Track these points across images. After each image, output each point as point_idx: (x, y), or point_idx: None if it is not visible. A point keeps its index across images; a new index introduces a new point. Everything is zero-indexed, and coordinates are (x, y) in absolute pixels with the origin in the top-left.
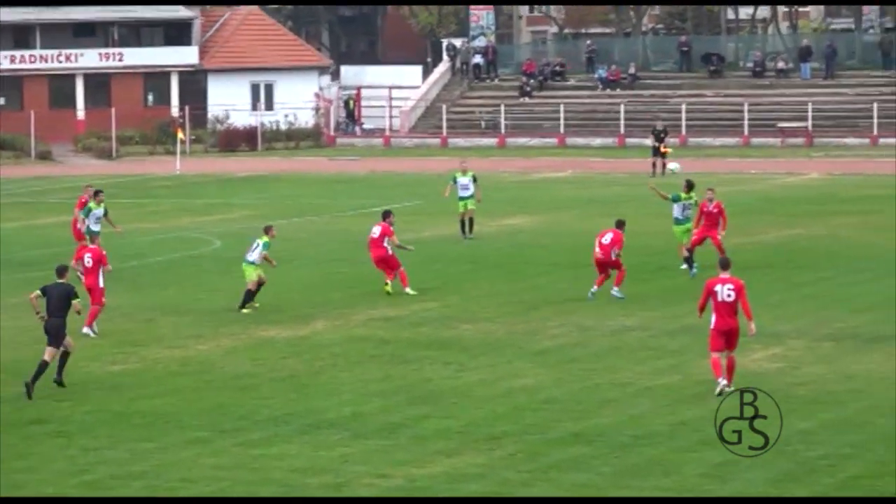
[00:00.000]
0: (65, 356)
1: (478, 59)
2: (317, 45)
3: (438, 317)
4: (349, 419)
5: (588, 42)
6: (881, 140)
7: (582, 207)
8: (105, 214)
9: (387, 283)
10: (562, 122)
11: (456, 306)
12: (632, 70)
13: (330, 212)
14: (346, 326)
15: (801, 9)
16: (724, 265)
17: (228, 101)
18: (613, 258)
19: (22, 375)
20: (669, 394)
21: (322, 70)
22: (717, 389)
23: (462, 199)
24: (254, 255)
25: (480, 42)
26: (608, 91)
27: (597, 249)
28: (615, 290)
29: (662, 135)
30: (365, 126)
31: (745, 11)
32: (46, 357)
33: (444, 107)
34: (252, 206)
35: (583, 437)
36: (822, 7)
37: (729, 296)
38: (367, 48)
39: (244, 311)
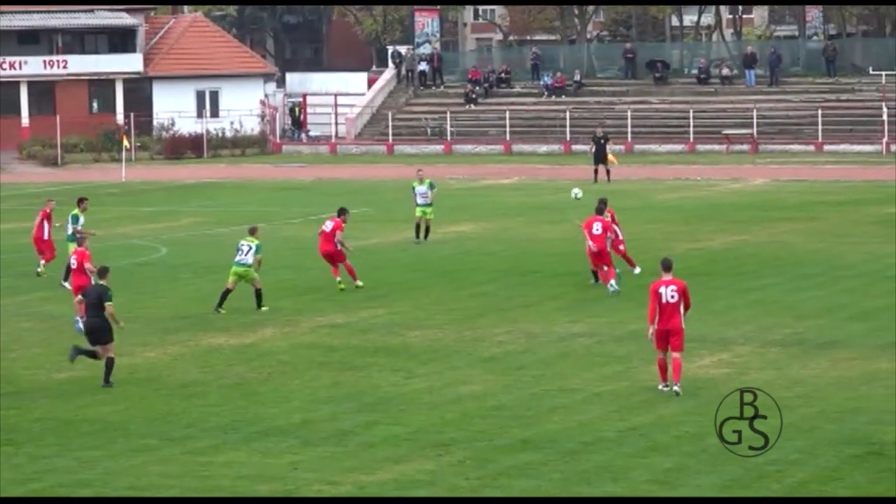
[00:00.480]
0: (109, 361)
1: (423, 66)
2: (262, 52)
3: (386, 324)
4: (298, 426)
5: (533, 49)
6: (826, 147)
7: (529, 214)
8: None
9: (339, 281)
10: (507, 128)
11: (404, 313)
12: (577, 77)
13: (277, 219)
14: (294, 333)
15: (745, 16)
16: (667, 267)
17: (174, 108)
18: (608, 245)
19: None
20: (617, 400)
21: (267, 77)
22: (660, 387)
23: (419, 206)
24: (248, 258)
25: (426, 49)
26: (553, 98)
27: (590, 242)
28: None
29: (603, 141)
30: (311, 133)
31: (689, 18)
32: (105, 354)
33: (389, 114)
34: (198, 214)
35: (531, 444)
36: (766, 14)
37: (672, 297)
38: (312, 55)
39: (264, 308)
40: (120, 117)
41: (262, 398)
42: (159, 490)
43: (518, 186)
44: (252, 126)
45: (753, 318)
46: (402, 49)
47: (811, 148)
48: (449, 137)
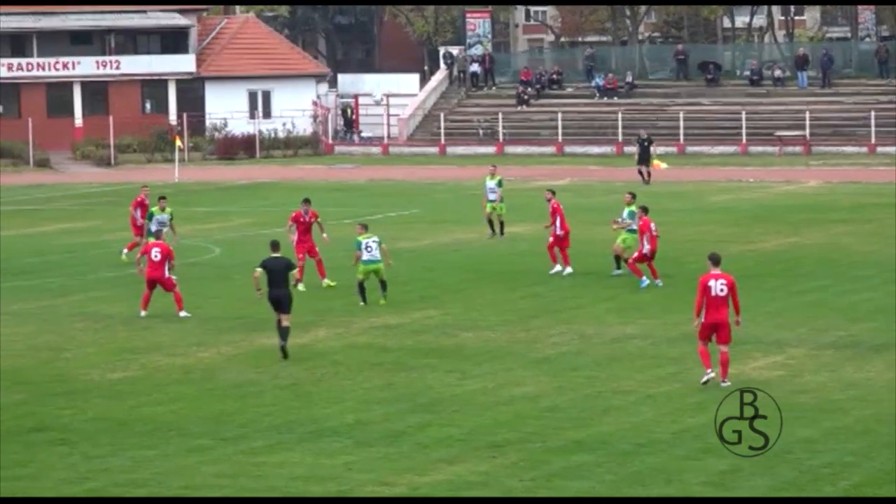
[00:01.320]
0: (285, 330)
1: (475, 67)
2: (314, 53)
3: (440, 325)
4: (352, 427)
5: (585, 50)
6: (879, 148)
7: (581, 215)
8: (171, 220)
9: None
10: (559, 130)
11: (457, 314)
12: (629, 78)
13: (329, 220)
14: (348, 334)
15: (797, 17)
16: (716, 261)
17: (226, 108)
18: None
19: (22, 383)
20: (671, 402)
21: (319, 78)
22: (704, 379)
23: (489, 201)
24: (377, 254)
25: (477, 50)
26: (605, 99)
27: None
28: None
29: (647, 143)
30: (363, 134)
31: (741, 20)
32: (285, 323)
33: (441, 115)
34: (251, 214)
35: (585, 445)
36: (818, 15)
37: (722, 290)
38: (363, 56)
39: (382, 303)
40: (173, 118)
41: (316, 399)
42: (213, 490)
43: (570, 188)
44: (304, 127)
45: (807, 321)
46: (454, 50)
47: (864, 150)
48: (501, 138)
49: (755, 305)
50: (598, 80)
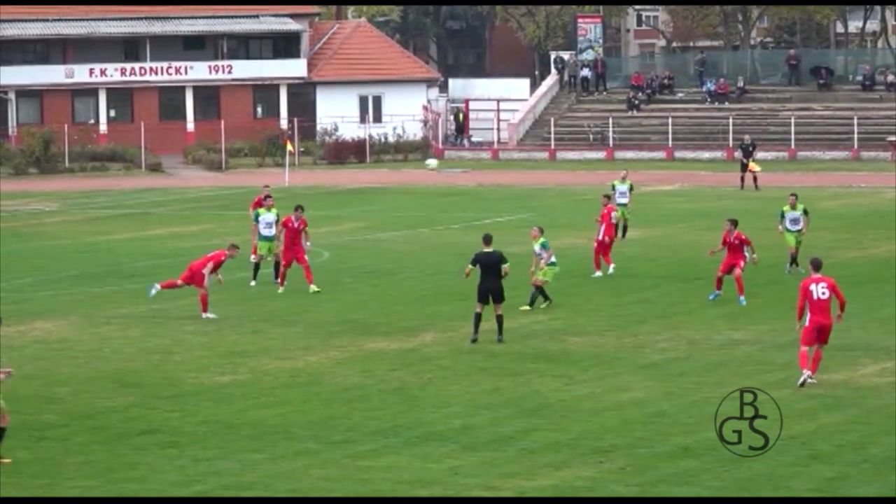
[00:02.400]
0: (499, 318)
1: (586, 72)
2: (425, 58)
3: (547, 329)
4: (458, 431)
5: (698, 55)
6: None
7: (691, 220)
8: (277, 220)
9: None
10: (670, 135)
11: (565, 319)
12: (740, 83)
13: (438, 224)
14: (455, 339)
15: None
16: (817, 266)
17: (337, 113)
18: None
19: (132, 386)
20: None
21: (430, 82)
22: (800, 381)
23: (620, 205)
24: (550, 257)
25: (588, 55)
26: (716, 104)
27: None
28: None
29: (751, 149)
30: (473, 139)
31: (854, 24)
32: (499, 311)
33: (552, 120)
34: (360, 219)
35: (692, 451)
36: None
37: (823, 293)
38: (474, 61)
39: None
40: (284, 122)
41: (423, 403)
42: (320, 493)
43: (680, 193)
44: (414, 131)
45: None
46: (565, 55)
47: None
48: (611, 143)
49: (866, 312)
50: (710, 85)
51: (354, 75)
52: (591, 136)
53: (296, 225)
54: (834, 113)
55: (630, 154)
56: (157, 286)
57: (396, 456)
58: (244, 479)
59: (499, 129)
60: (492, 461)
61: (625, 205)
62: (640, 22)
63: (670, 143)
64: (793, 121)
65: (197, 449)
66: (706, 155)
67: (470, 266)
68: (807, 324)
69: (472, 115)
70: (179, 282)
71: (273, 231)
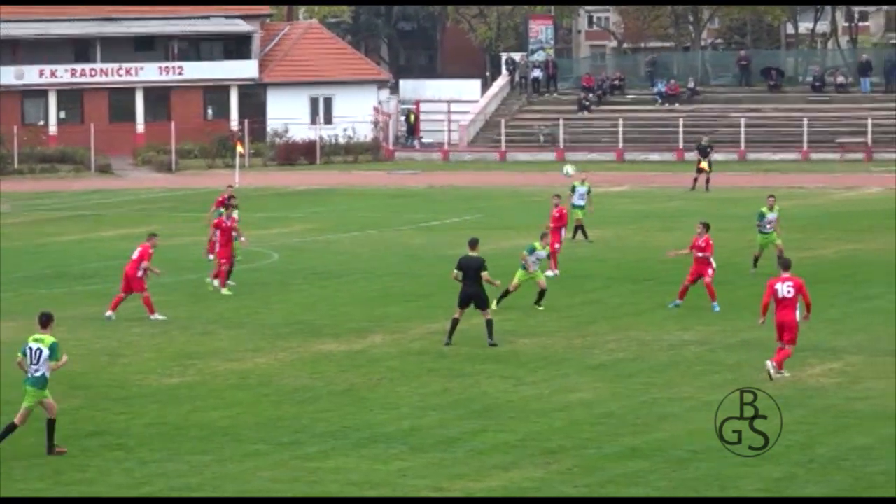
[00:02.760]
0: (489, 322)
1: (537, 73)
2: (376, 59)
3: (496, 330)
4: (406, 433)
5: (648, 56)
6: None
7: (641, 222)
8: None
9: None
10: (620, 136)
11: (514, 320)
12: (691, 84)
13: (388, 226)
14: (403, 340)
15: (861, 23)
16: (785, 266)
17: (287, 114)
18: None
19: (80, 388)
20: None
21: (381, 84)
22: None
23: (578, 207)
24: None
25: (539, 56)
26: (667, 105)
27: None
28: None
29: (708, 150)
30: (423, 140)
31: (804, 26)
32: (488, 317)
33: (502, 121)
34: (310, 220)
35: (640, 452)
36: (882, 21)
37: (788, 292)
38: (426, 62)
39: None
40: (234, 123)
41: (371, 404)
42: (268, 495)
43: (630, 194)
44: (365, 133)
45: (866, 328)
46: (516, 56)
47: None
48: (561, 144)
49: (814, 313)
50: (660, 86)
51: (305, 76)
52: (541, 138)
53: (228, 224)
54: (784, 114)
55: (580, 155)
56: (110, 313)
57: (345, 457)
58: (192, 480)
59: (450, 131)
60: (440, 462)
61: (582, 206)
62: (591, 23)
63: (621, 144)
64: (743, 122)
65: (145, 451)
66: (656, 156)
67: (455, 270)
68: (771, 319)
69: (423, 117)
70: (123, 294)
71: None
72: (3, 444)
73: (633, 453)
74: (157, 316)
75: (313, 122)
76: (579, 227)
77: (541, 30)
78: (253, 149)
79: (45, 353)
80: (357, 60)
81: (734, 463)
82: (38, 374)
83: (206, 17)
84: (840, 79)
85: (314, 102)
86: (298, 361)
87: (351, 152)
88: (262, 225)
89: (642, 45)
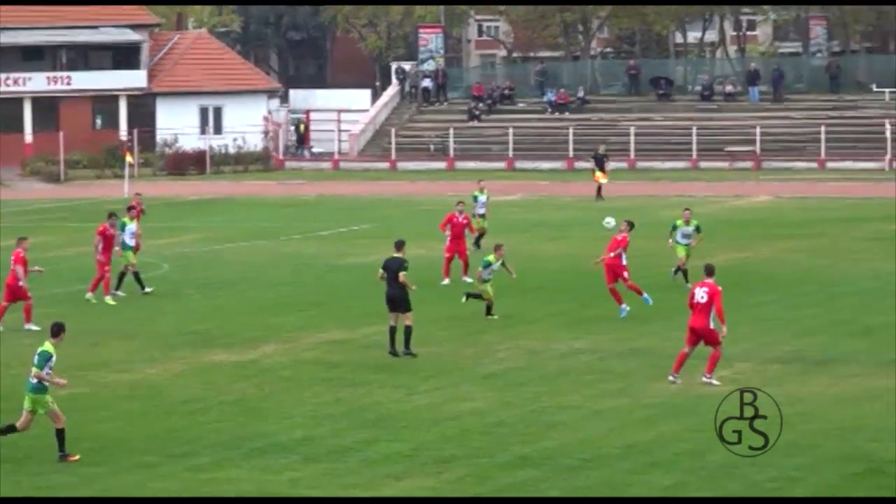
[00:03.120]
0: (407, 329)
1: (427, 82)
2: (266, 69)
3: (388, 340)
4: (299, 443)
5: (538, 65)
6: (829, 163)
7: (531, 231)
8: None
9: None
10: (510, 145)
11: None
12: (580, 93)
13: (279, 235)
14: (295, 350)
15: (749, 32)
16: (709, 272)
17: (177, 124)
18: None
19: None
20: (618, 416)
21: (271, 93)
22: (670, 379)
23: (479, 216)
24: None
25: (429, 65)
26: (557, 114)
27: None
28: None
29: (605, 159)
30: (314, 149)
31: (693, 35)
32: (406, 322)
33: (392, 130)
34: (201, 230)
35: (531, 461)
36: (770, 30)
37: (702, 298)
38: (315, 72)
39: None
40: (123, 133)
41: (264, 414)
42: None
43: (521, 203)
44: (255, 142)
45: (754, 335)
46: (406, 65)
47: (814, 165)
48: (452, 154)
49: None
50: (550, 96)
51: (194, 86)
52: (431, 147)
53: (111, 232)
54: (673, 123)
55: (471, 164)
56: None
57: (237, 468)
58: (82, 493)
59: (340, 140)
60: (333, 472)
61: (483, 215)
62: (480, 32)
63: (511, 153)
64: (633, 131)
65: (34, 464)
66: (546, 165)
67: (381, 270)
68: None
69: (313, 126)
70: (5, 303)
71: (134, 241)
72: None
73: (525, 462)
74: (31, 326)
75: (203, 131)
76: (481, 236)
77: (430, 39)
78: (142, 159)
79: (35, 359)
80: (246, 70)
81: (625, 471)
82: (34, 380)
83: (95, 27)
84: (728, 88)
85: (204, 112)
86: (190, 372)
87: (241, 162)
88: (152, 235)
89: (532, 54)
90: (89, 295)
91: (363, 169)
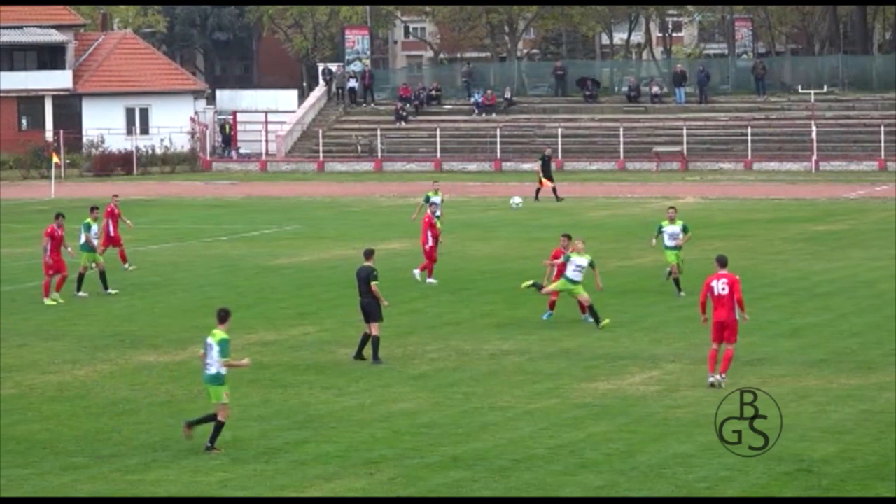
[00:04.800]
0: (375, 339)
1: (353, 83)
2: (192, 69)
3: (317, 341)
4: (228, 444)
5: (465, 66)
6: (755, 164)
7: (459, 231)
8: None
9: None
10: (438, 146)
11: (334, 330)
12: (507, 94)
13: (206, 236)
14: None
15: (674, 34)
16: (722, 263)
17: (103, 125)
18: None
19: None
20: (548, 417)
21: (197, 94)
22: (709, 381)
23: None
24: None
25: (356, 67)
26: (484, 115)
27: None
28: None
29: (548, 159)
30: (241, 151)
31: (619, 36)
32: (374, 332)
33: (320, 131)
34: (128, 231)
35: (462, 462)
36: (695, 32)
37: (724, 289)
38: (242, 72)
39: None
40: (49, 134)
41: (192, 416)
42: None
43: (448, 204)
44: (182, 143)
45: (684, 336)
46: (333, 66)
47: (740, 166)
48: (379, 155)
49: (632, 321)
50: (477, 97)
51: (121, 87)
52: (358, 148)
53: (59, 233)
54: (600, 124)
55: (398, 165)
56: None
57: (166, 469)
58: (9, 494)
59: (267, 141)
60: (262, 474)
61: (438, 217)
62: (407, 33)
63: (438, 154)
64: (559, 132)
65: None
66: (473, 166)
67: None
68: (711, 318)
69: (239, 127)
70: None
71: (97, 242)
72: None
73: (455, 463)
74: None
75: (129, 132)
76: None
77: (357, 40)
78: (68, 160)
79: (216, 349)
80: (173, 71)
81: (555, 472)
82: (213, 371)
83: (20, 27)
84: (655, 89)
85: (130, 113)
86: (118, 373)
87: (168, 163)
88: (78, 236)
89: (459, 55)
90: (48, 300)
91: (291, 170)
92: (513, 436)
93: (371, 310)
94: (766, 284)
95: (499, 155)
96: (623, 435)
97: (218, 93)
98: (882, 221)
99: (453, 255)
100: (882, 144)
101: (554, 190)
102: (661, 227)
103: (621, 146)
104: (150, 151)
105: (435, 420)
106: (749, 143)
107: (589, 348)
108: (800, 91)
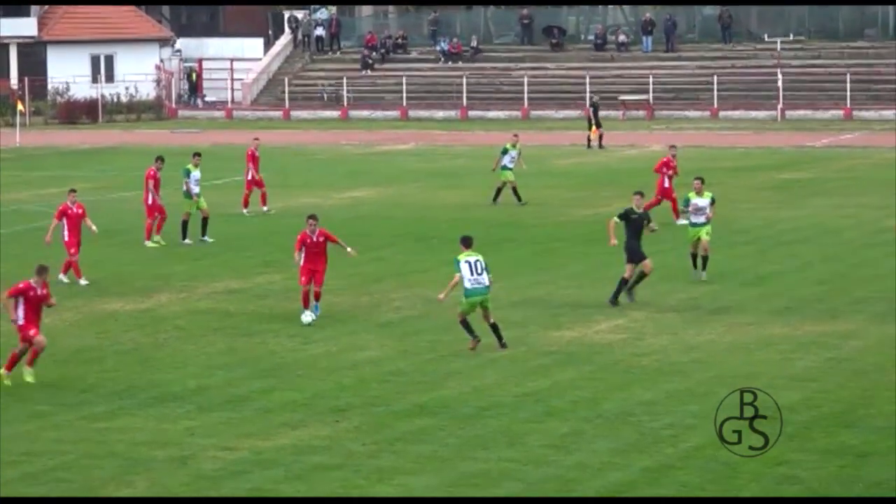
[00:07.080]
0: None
1: (319, 31)
2: (157, 17)
3: (283, 289)
4: (194, 392)
5: (431, 14)
6: (721, 113)
7: (425, 180)
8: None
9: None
10: (404, 94)
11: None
12: (474, 43)
13: (172, 185)
14: (190, 299)
15: None
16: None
17: (69, 72)
18: None
19: None
20: (514, 365)
21: (163, 42)
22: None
23: (508, 169)
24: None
25: (322, 14)
26: (450, 64)
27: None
28: None
29: (597, 107)
30: (206, 98)
31: None
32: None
33: (286, 79)
34: (93, 179)
35: (428, 409)
36: None
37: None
38: (207, 20)
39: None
40: (14, 82)
41: (158, 364)
42: (53, 456)
43: (415, 152)
44: (147, 91)
45: (649, 284)
46: (299, 14)
47: (707, 114)
48: (345, 103)
49: (597, 269)
50: (443, 45)
51: (86, 34)
52: (325, 96)
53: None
54: (566, 72)
55: (365, 113)
56: None
57: (132, 417)
58: None
59: (233, 89)
60: (227, 421)
61: (511, 169)
62: None
63: (405, 102)
64: (526, 80)
65: None
66: (440, 114)
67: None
68: None
69: (205, 75)
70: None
71: (198, 189)
72: None
73: (422, 410)
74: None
75: (95, 80)
76: (500, 190)
77: None
78: (33, 107)
79: (483, 262)
80: (138, 18)
81: (521, 419)
82: (485, 284)
83: None
84: (622, 37)
85: (95, 61)
86: (83, 321)
87: (133, 111)
88: (43, 184)
89: (424, 4)
90: (149, 243)
91: (256, 118)
92: (479, 384)
93: (637, 252)
94: (731, 232)
95: (465, 103)
96: (589, 383)
97: (183, 40)
98: (848, 170)
99: (418, 203)
100: (848, 93)
101: (600, 137)
102: (687, 200)
103: (587, 95)
104: (115, 99)
105: (401, 368)
106: (715, 92)
107: (555, 296)
108: (766, 39)
